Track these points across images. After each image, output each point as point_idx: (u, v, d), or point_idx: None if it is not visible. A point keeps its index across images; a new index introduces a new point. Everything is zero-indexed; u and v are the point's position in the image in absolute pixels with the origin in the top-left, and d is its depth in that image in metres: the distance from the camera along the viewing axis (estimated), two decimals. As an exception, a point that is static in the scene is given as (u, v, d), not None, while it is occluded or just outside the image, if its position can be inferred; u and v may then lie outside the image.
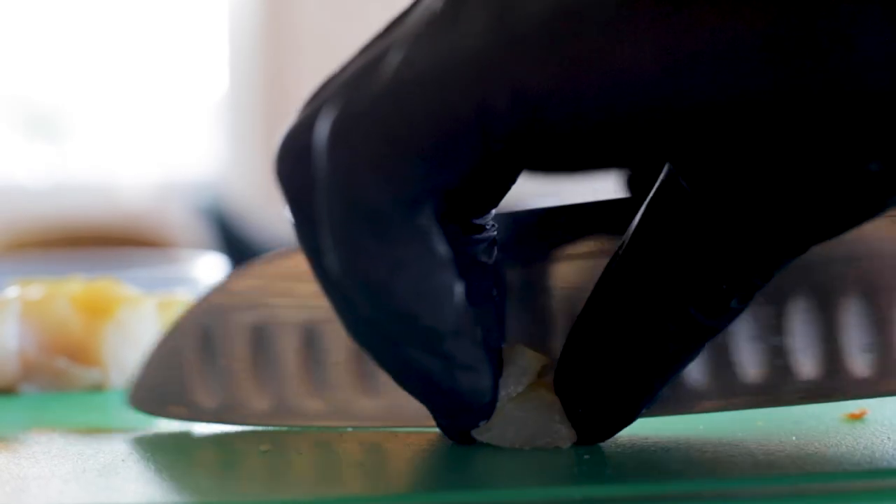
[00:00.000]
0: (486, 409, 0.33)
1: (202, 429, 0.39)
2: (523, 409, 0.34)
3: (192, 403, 0.38)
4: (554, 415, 0.34)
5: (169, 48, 2.80)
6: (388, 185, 0.29)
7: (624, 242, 0.32)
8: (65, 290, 0.49)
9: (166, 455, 0.35)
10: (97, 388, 0.48)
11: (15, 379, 0.47)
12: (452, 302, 0.30)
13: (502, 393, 0.33)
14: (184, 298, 0.52)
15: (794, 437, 0.35)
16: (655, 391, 0.33)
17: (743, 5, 0.27)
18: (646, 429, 0.37)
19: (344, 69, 0.31)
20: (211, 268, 0.79)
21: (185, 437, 0.38)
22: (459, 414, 0.33)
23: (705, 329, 0.32)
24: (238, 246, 2.41)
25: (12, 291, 0.49)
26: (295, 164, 0.30)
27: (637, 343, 0.32)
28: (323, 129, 0.29)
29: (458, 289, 0.31)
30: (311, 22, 2.95)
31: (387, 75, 0.29)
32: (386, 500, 0.30)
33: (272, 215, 2.56)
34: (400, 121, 0.28)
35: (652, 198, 0.32)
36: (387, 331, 0.30)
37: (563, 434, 0.34)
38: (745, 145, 0.28)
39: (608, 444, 0.35)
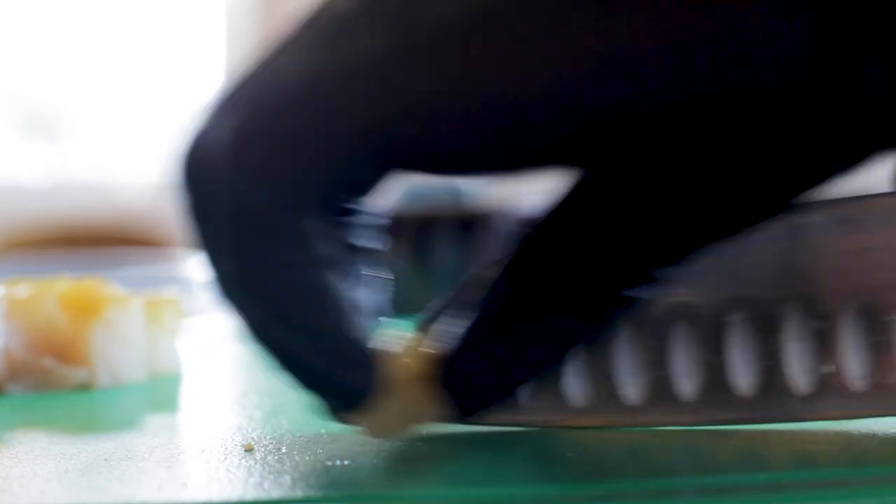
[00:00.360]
0: (369, 398, 0.33)
1: (186, 428, 0.39)
2: (397, 399, 0.33)
3: None
4: (424, 400, 0.33)
5: (166, 48, 2.81)
6: (274, 190, 0.30)
7: (539, 221, 0.32)
8: (51, 290, 0.49)
9: (150, 455, 0.35)
10: (84, 388, 0.48)
11: (1, 378, 0.47)
12: (333, 302, 0.31)
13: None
14: (172, 297, 0.51)
15: (778, 433, 0.35)
16: (546, 372, 0.33)
17: (647, 13, 0.27)
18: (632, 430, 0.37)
19: (250, 72, 0.31)
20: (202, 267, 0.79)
21: (169, 437, 0.38)
22: (344, 404, 0.33)
23: (600, 314, 0.31)
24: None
25: (-2, 291, 0.49)
26: (194, 169, 0.31)
27: (545, 325, 0.32)
28: (221, 136, 0.30)
29: (340, 288, 0.31)
30: (310, 21, 2.95)
31: (286, 82, 0.30)
32: (357, 499, 0.30)
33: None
34: (292, 131, 0.29)
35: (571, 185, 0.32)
36: (273, 330, 0.31)
37: (433, 414, 0.34)
38: (645, 143, 0.29)
39: (592, 440, 0.35)
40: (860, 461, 0.32)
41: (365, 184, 0.31)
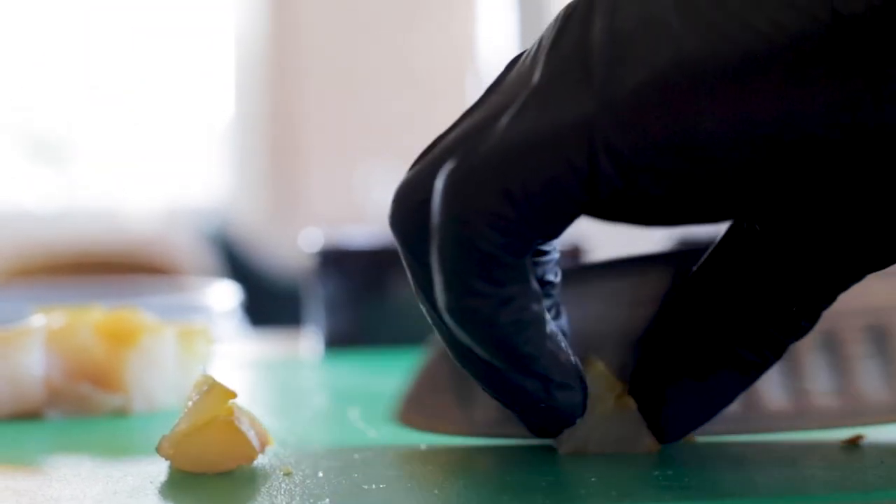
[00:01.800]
0: (577, 418, 0.37)
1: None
2: (610, 418, 0.38)
3: (468, 418, 0.40)
4: (641, 425, 0.38)
5: (175, 75, 2.82)
6: (500, 234, 0.32)
7: (695, 273, 0.37)
8: (87, 318, 0.51)
9: (193, 479, 0.37)
10: (120, 413, 0.49)
11: (40, 404, 0.49)
12: (546, 328, 0.34)
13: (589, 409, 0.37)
14: (202, 326, 0.53)
15: (792, 462, 0.37)
16: (732, 399, 0.37)
17: (811, 78, 0.31)
18: (647, 453, 0.38)
19: (452, 130, 0.34)
20: (223, 295, 0.81)
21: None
22: (555, 425, 0.37)
23: (781, 345, 0.36)
24: (243, 272, 2.42)
25: (38, 320, 0.51)
26: (410, 213, 0.34)
27: (719, 358, 0.36)
28: (439, 182, 0.33)
29: (548, 316, 0.34)
30: (317, 50, 2.97)
31: (498, 136, 0.33)
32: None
33: (277, 242, 2.58)
34: (512, 177, 0.32)
35: (723, 237, 0.36)
36: (490, 357, 0.34)
37: (648, 443, 0.38)
38: (816, 192, 0.33)
39: (606, 466, 0.36)
40: (873, 489, 0.34)
41: (563, 228, 0.34)
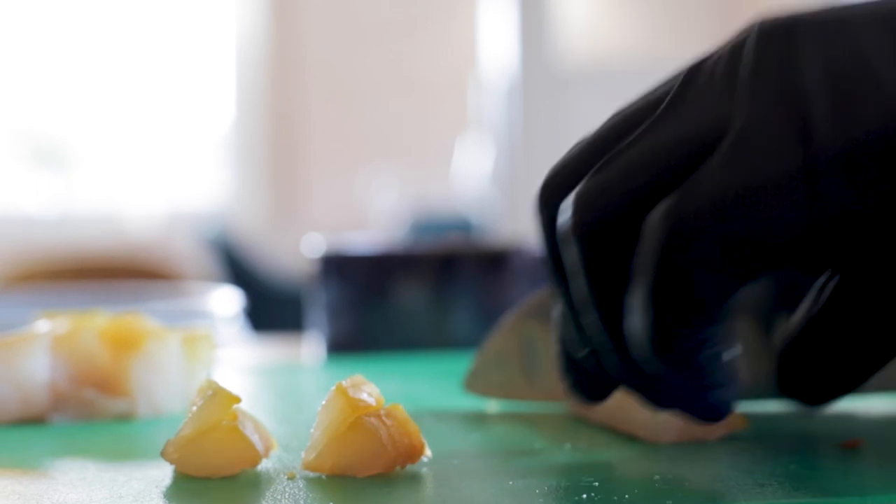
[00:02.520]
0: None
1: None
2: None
3: (531, 385, 0.47)
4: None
5: (176, 80, 2.83)
6: (716, 282, 0.33)
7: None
8: (92, 324, 0.51)
9: (197, 483, 0.37)
10: (124, 418, 0.50)
11: (45, 409, 0.49)
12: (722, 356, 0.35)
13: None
14: (206, 331, 0.54)
15: (791, 465, 0.37)
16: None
17: None
18: (647, 456, 0.39)
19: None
20: (225, 301, 0.81)
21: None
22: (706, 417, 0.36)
23: None
24: (244, 277, 2.42)
25: (43, 325, 0.51)
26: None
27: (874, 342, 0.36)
28: (656, 217, 0.34)
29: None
30: (318, 56, 2.98)
31: (713, 180, 0.33)
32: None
33: (278, 247, 2.58)
34: (732, 227, 0.33)
35: None
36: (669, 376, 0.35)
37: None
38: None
39: (605, 472, 0.36)
40: (870, 492, 0.34)
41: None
